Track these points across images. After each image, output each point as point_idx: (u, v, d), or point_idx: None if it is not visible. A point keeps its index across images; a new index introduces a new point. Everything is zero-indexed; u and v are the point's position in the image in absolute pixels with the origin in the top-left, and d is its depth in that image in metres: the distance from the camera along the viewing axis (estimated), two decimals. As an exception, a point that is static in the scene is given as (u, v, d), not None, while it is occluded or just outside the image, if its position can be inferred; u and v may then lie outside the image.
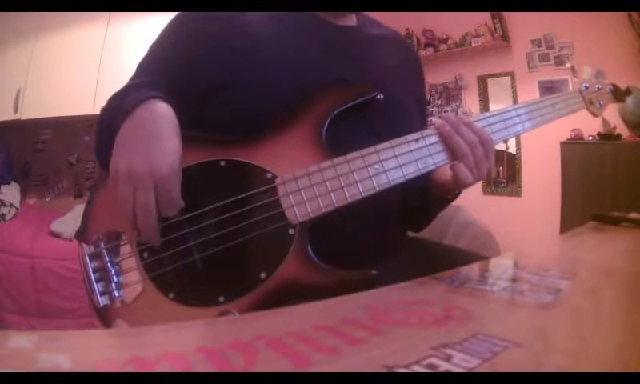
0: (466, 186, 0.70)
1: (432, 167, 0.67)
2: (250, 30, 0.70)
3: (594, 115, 0.92)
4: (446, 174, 0.73)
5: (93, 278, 0.64)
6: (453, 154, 0.68)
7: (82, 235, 0.67)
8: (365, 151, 0.63)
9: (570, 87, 3.06)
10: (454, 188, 0.75)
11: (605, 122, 0.96)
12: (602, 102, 0.92)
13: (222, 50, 0.68)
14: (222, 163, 0.64)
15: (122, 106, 0.63)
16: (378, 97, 0.67)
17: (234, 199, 0.62)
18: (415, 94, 0.84)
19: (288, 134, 0.65)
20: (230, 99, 0.67)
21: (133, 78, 0.75)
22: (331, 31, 0.75)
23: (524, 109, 0.78)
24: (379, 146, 0.64)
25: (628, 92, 0.96)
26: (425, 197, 0.79)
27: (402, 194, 0.75)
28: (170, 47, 0.73)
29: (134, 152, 0.59)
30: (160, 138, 0.60)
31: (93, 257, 0.65)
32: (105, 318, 0.64)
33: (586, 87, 0.92)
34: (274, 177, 0.62)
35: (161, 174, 0.57)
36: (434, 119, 3.78)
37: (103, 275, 0.65)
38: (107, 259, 0.65)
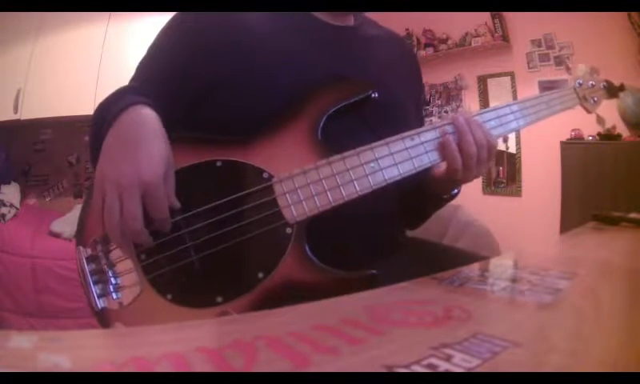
0: (462, 182, 0.70)
1: (427, 165, 0.67)
2: (247, 30, 0.70)
3: (588, 111, 0.93)
4: (442, 169, 0.73)
5: (90, 280, 0.64)
6: (458, 149, 0.68)
7: (78, 238, 0.67)
8: (361, 149, 0.63)
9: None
10: (451, 183, 0.75)
11: (599, 119, 0.96)
12: (595, 99, 0.93)
13: (219, 49, 0.68)
14: (219, 163, 0.64)
15: (106, 114, 0.63)
16: (373, 95, 0.67)
17: (230, 199, 0.62)
18: (413, 95, 0.84)
19: (284, 134, 0.65)
20: (226, 99, 0.67)
21: (132, 79, 0.75)
22: (329, 31, 0.75)
23: (518, 106, 0.79)
24: (375, 144, 0.64)
25: (621, 88, 0.96)
26: (421, 195, 0.80)
27: (399, 192, 0.75)
28: (166, 47, 0.73)
29: (118, 159, 0.59)
30: (144, 144, 0.60)
31: (90, 259, 0.65)
32: (103, 320, 0.64)
33: (580, 84, 0.92)
34: (271, 176, 0.62)
35: (146, 179, 0.58)
36: (433, 119, 3.78)
37: (101, 277, 0.64)
38: (104, 261, 0.64)
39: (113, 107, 0.63)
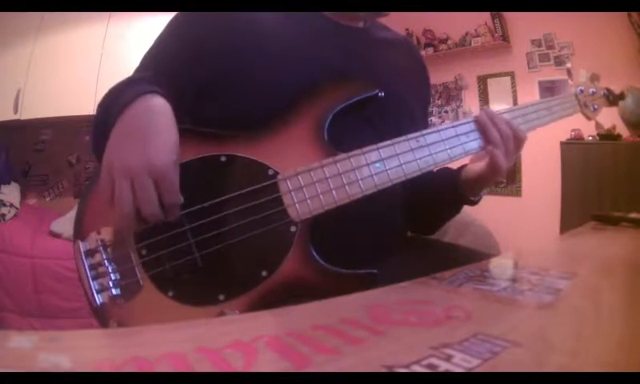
0: (501, 171, 0.72)
1: (432, 166, 0.67)
2: (254, 26, 0.70)
3: (588, 119, 0.93)
4: (476, 167, 0.74)
5: (89, 275, 0.63)
6: (486, 143, 0.71)
7: (77, 232, 0.66)
8: (366, 149, 0.63)
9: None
10: (489, 177, 0.74)
11: (598, 125, 0.97)
12: (596, 106, 0.93)
13: (225, 46, 0.68)
14: (223, 158, 0.63)
15: (118, 100, 0.63)
16: (380, 94, 0.67)
17: (234, 195, 0.61)
18: (420, 98, 0.85)
19: (290, 131, 0.64)
20: (232, 95, 0.67)
21: (136, 71, 0.74)
22: (337, 30, 0.75)
23: (520, 111, 0.79)
24: (381, 144, 0.64)
25: (622, 96, 0.97)
26: (441, 199, 0.80)
27: (412, 198, 0.75)
28: (173, 43, 0.72)
29: (129, 145, 0.58)
30: (156, 132, 0.59)
31: (89, 254, 0.64)
32: (102, 316, 0.63)
33: (581, 90, 0.92)
34: (276, 173, 0.62)
35: (158, 166, 0.57)
36: (433, 119, 3.78)
37: (100, 273, 0.63)
38: (104, 256, 0.63)
39: (124, 94, 0.63)
